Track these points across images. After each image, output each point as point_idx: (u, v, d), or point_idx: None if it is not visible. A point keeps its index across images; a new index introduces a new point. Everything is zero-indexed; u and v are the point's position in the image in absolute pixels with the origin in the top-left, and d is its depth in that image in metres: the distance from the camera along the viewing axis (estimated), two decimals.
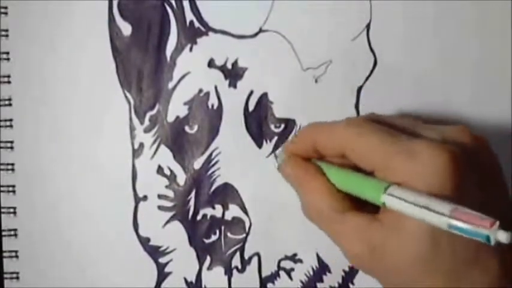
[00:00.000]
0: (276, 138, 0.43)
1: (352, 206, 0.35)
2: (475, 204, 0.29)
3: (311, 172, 0.37)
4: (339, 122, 0.36)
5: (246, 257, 0.43)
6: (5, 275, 0.43)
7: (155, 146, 0.42)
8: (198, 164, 0.42)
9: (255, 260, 0.43)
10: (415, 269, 0.32)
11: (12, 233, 0.43)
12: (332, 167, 0.37)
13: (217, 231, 0.43)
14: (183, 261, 0.43)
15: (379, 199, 0.32)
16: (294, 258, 0.43)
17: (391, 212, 0.32)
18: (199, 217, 0.42)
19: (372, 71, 0.43)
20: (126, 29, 0.42)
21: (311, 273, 0.43)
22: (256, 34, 0.42)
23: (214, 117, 0.42)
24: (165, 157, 0.42)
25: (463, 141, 0.34)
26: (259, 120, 0.42)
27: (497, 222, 0.27)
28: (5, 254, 0.43)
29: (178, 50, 0.42)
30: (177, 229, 0.43)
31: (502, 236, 0.27)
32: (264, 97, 0.42)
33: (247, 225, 0.43)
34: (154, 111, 0.42)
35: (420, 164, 0.31)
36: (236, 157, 0.42)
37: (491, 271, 0.32)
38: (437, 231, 0.30)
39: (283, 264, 0.43)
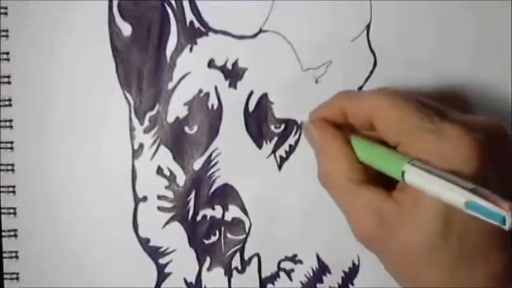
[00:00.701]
0: (276, 138, 0.42)
1: (369, 180, 0.35)
2: (494, 193, 0.29)
3: (335, 138, 0.37)
4: (370, 91, 0.37)
5: (246, 257, 0.43)
6: (5, 276, 0.43)
7: (155, 146, 0.42)
8: (197, 164, 0.42)
9: (254, 260, 0.43)
10: (422, 253, 0.32)
11: (12, 233, 0.43)
12: (357, 137, 0.37)
13: (217, 232, 0.43)
14: (183, 262, 0.43)
15: (399, 173, 0.32)
16: (293, 259, 0.43)
17: (407, 191, 0.33)
18: (199, 218, 0.42)
19: (372, 71, 0.43)
20: (126, 29, 0.42)
21: (311, 274, 0.43)
22: (256, 34, 0.42)
23: (214, 118, 0.42)
24: (165, 158, 0.42)
25: (488, 129, 0.34)
26: (259, 121, 0.42)
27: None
28: (5, 255, 0.43)
29: (178, 50, 0.42)
30: (177, 230, 0.43)
31: None
32: (264, 97, 0.42)
33: (247, 226, 0.43)
34: (154, 112, 0.42)
35: (448, 146, 0.32)
36: (236, 158, 0.42)
37: (498, 263, 0.32)
38: (451, 216, 0.31)
39: (283, 265, 0.43)
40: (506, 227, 0.27)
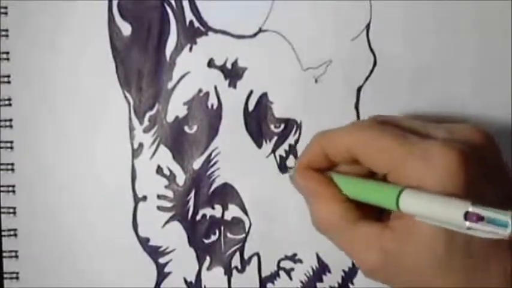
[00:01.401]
0: (275, 138, 0.43)
1: (363, 215, 0.35)
2: (487, 199, 0.29)
3: (322, 183, 0.37)
4: (346, 126, 0.36)
5: (246, 257, 0.43)
6: (5, 275, 0.43)
7: (154, 146, 0.42)
8: (197, 164, 0.42)
9: (254, 260, 0.43)
10: (430, 271, 0.32)
11: (12, 233, 0.43)
12: (343, 176, 0.37)
13: (217, 232, 0.43)
14: (183, 261, 0.43)
15: (393, 203, 0.32)
16: (293, 258, 0.43)
17: (402, 218, 0.33)
18: (198, 217, 0.42)
19: (371, 71, 0.43)
20: (125, 29, 0.42)
21: (311, 273, 0.43)
22: (256, 34, 0.42)
23: (214, 117, 0.42)
24: (165, 157, 0.42)
25: (471, 138, 0.34)
26: (258, 120, 0.42)
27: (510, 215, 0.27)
28: (4, 254, 0.43)
29: (178, 49, 0.42)
30: (177, 229, 0.43)
31: None
32: (263, 97, 0.42)
33: (246, 225, 0.43)
34: (153, 111, 0.42)
35: (433, 164, 0.31)
36: (236, 157, 0.42)
37: (506, 269, 0.32)
38: (451, 232, 0.30)
39: (283, 264, 0.43)
40: (508, 232, 0.27)
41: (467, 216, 0.28)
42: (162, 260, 0.43)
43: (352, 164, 0.36)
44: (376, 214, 0.35)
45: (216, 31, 0.42)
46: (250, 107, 0.42)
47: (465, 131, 0.35)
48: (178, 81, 0.42)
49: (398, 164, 0.33)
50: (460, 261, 0.32)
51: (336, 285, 0.43)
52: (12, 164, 0.43)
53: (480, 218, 0.28)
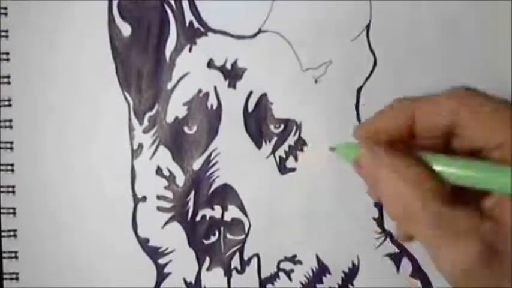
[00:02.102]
0: (275, 138, 0.42)
1: (453, 199, 0.28)
2: None
3: (411, 160, 0.29)
4: (442, 93, 0.31)
5: (246, 258, 0.43)
6: (5, 276, 0.43)
7: (154, 146, 0.42)
8: (197, 164, 0.42)
9: (254, 261, 0.43)
10: None
11: (11, 233, 0.43)
12: (437, 155, 0.30)
13: (217, 232, 0.43)
14: (183, 262, 0.43)
15: (508, 186, 0.27)
16: (293, 259, 0.43)
17: (504, 205, 0.28)
18: (198, 218, 0.42)
19: (371, 71, 0.43)
20: (125, 29, 0.42)
21: (310, 274, 0.43)
22: (255, 34, 0.42)
23: (214, 118, 0.42)
24: (164, 158, 0.42)
25: None
26: (258, 121, 0.42)
27: None
28: (4, 255, 0.43)
29: (177, 50, 0.42)
30: (177, 230, 0.42)
31: None
32: (263, 97, 0.42)
33: (246, 226, 0.43)
34: (153, 112, 0.42)
35: None
36: (235, 158, 0.42)
37: None
38: None
39: (283, 265, 0.43)
40: None
41: None
42: (161, 261, 0.43)
43: (436, 140, 0.30)
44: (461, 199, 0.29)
45: (215, 31, 0.42)
46: (250, 108, 0.42)
47: None
48: (178, 82, 0.42)
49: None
50: None
51: (336, 286, 0.43)
52: (12, 164, 0.43)
53: None
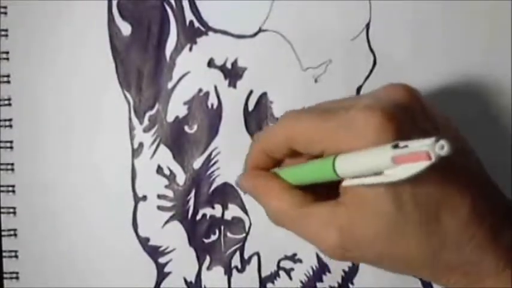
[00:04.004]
0: None
1: (312, 198, 0.35)
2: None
3: (267, 177, 0.37)
4: (275, 123, 0.37)
5: (246, 256, 0.43)
6: (5, 275, 0.43)
7: (155, 145, 0.42)
8: (197, 163, 0.42)
9: (254, 259, 0.43)
10: (386, 234, 0.32)
11: (12, 233, 0.43)
12: (285, 168, 0.37)
13: (217, 231, 0.43)
14: (183, 261, 0.43)
15: (332, 173, 0.32)
16: (293, 258, 0.43)
17: (349, 191, 0.33)
18: (198, 217, 0.42)
19: (371, 71, 0.43)
20: (125, 29, 0.43)
21: (311, 273, 0.43)
22: (256, 34, 0.42)
23: (214, 117, 0.42)
24: (165, 157, 0.42)
25: (393, 97, 0.34)
26: (258, 120, 0.42)
27: (433, 138, 0.26)
28: (4, 254, 0.43)
29: (178, 49, 0.42)
30: (177, 229, 0.43)
31: (442, 146, 0.26)
32: (263, 97, 0.42)
33: (246, 225, 0.43)
34: (153, 111, 0.42)
35: (359, 130, 0.32)
36: (236, 157, 0.42)
37: (463, 206, 0.32)
38: (396, 189, 0.31)
39: (283, 264, 0.43)
40: (443, 152, 0.26)
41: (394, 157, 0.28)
42: (162, 260, 0.43)
43: (294, 157, 0.37)
44: (325, 196, 0.35)
45: (216, 31, 0.42)
46: (250, 107, 0.42)
47: (386, 91, 0.35)
48: (178, 81, 0.42)
49: (328, 140, 0.33)
50: (411, 216, 0.32)
51: (336, 285, 0.43)
52: (12, 164, 0.43)
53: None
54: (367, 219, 0.32)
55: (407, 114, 0.33)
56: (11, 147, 0.43)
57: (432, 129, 0.33)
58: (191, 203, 0.42)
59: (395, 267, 0.35)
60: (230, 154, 0.42)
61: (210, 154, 0.42)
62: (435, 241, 0.32)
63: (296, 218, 0.35)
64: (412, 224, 0.32)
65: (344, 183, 0.32)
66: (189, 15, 0.42)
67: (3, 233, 0.43)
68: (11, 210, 0.43)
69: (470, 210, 0.32)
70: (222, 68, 0.42)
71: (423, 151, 0.26)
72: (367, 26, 0.43)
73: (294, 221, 0.35)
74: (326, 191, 0.35)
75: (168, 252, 0.43)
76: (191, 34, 0.42)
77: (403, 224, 0.32)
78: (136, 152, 0.43)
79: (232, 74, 0.42)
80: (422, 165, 0.27)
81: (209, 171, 0.42)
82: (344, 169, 0.31)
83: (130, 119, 0.43)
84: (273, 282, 0.43)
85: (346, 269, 0.43)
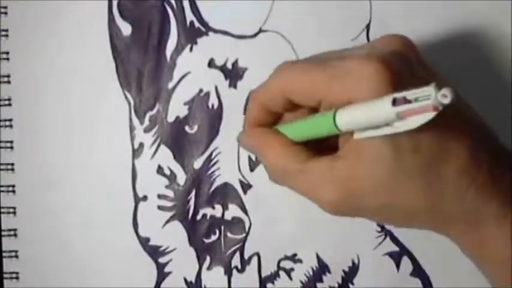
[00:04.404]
0: None
1: (312, 154, 0.35)
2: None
3: (268, 134, 0.37)
4: (272, 74, 0.36)
5: (246, 257, 0.43)
6: (5, 275, 0.43)
7: (155, 146, 0.42)
8: (198, 163, 0.42)
9: (254, 260, 0.43)
10: (386, 185, 0.32)
11: (12, 233, 0.43)
12: (286, 124, 0.37)
13: (217, 231, 0.43)
14: (183, 261, 0.43)
15: (333, 127, 0.32)
16: (293, 258, 0.43)
17: (347, 144, 0.33)
18: (199, 217, 0.43)
19: None
20: (126, 29, 0.43)
21: (311, 273, 0.43)
22: (256, 34, 0.42)
23: (215, 117, 0.42)
24: (165, 157, 0.42)
25: (389, 46, 0.34)
26: None
27: (432, 87, 0.27)
28: (4, 254, 0.43)
29: (178, 50, 0.42)
30: (177, 229, 0.43)
31: (444, 95, 0.26)
32: None
33: (247, 225, 0.43)
34: (154, 111, 0.42)
35: (356, 79, 0.31)
36: (236, 157, 0.42)
37: (460, 157, 0.32)
38: (395, 137, 0.30)
39: (283, 264, 0.43)
40: (447, 100, 0.26)
41: (395, 103, 0.28)
42: (162, 260, 0.43)
43: (294, 111, 0.36)
44: (327, 152, 0.34)
45: (216, 31, 0.42)
46: None
47: (382, 41, 0.35)
48: (178, 81, 0.42)
49: (325, 89, 0.33)
50: (410, 165, 0.32)
51: (336, 285, 0.43)
52: (12, 164, 0.43)
53: (407, 101, 0.28)
54: (365, 170, 0.32)
55: (404, 62, 0.32)
56: (11, 147, 0.43)
57: (429, 76, 0.33)
58: (191, 203, 0.42)
59: (395, 219, 0.34)
60: (230, 154, 0.42)
61: (211, 154, 0.42)
62: (435, 189, 0.32)
63: (295, 173, 0.35)
64: (411, 173, 0.32)
65: (355, 136, 0.32)
66: (189, 16, 0.42)
67: (3, 233, 0.43)
68: (11, 210, 0.43)
69: (468, 155, 0.32)
70: (223, 69, 0.42)
71: (428, 104, 0.27)
72: (367, 26, 0.43)
73: (294, 176, 0.35)
74: (327, 146, 0.34)
75: (169, 252, 0.43)
76: (192, 34, 0.42)
77: (402, 173, 0.32)
78: (136, 152, 0.43)
79: (233, 74, 0.42)
80: (429, 115, 0.27)
81: (209, 172, 0.42)
82: (346, 124, 0.31)
83: (130, 119, 0.43)
84: (273, 283, 0.43)
85: (346, 269, 0.43)
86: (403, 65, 0.32)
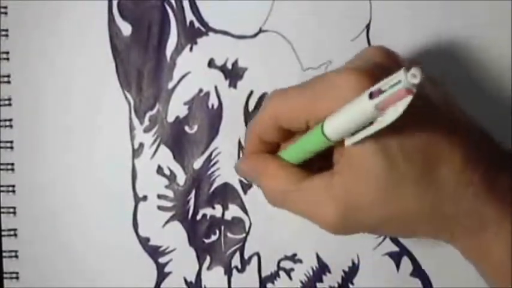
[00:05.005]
0: None
1: (308, 174, 0.35)
2: None
3: (263, 159, 0.37)
4: (261, 108, 0.37)
5: (246, 257, 0.43)
6: (5, 275, 0.43)
7: (155, 146, 0.42)
8: (198, 164, 0.42)
9: (254, 260, 0.43)
10: (385, 197, 0.32)
11: (12, 233, 0.43)
12: (282, 150, 0.37)
13: (217, 231, 0.43)
14: (183, 261, 0.43)
15: (324, 139, 0.32)
16: (293, 258, 0.43)
17: (342, 158, 0.33)
18: (199, 217, 0.43)
19: None
20: (126, 29, 0.43)
21: (311, 273, 0.43)
22: (256, 34, 0.42)
23: (214, 117, 0.42)
24: (165, 157, 0.42)
25: (371, 59, 0.34)
26: None
27: (402, 71, 0.27)
28: (4, 254, 0.43)
29: (178, 50, 0.42)
30: (177, 229, 0.43)
31: (414, 75, 0.27)
32: (264, 97, 0.42)
33: (247, 225, 0.43)
34: (154, 111, 0.43)
35: (337, 95, 0.32)
36: (236, 157, 0.42)
37: (455, 158, 0.32)
38: (385, 146, 0.31)
39: (283, 264, 0.43)
40: (417, 79, 0.27)
41: (372, 97, 0.28)
42: (162, 260, 0.43)
43: (290, 139, 0.37)
44: (324, 170, 0.35)
45: (216, 31, 0.42)
46: (251, 107, 0.42)
47: (363, 54, 0.35)
48: (178, 81, 0.42)
49: (310, 109, 0.33)
50: (404, 172, 0.32)
51: (336, 285, 0.43)
52: (12, 164, 0.43)
53: (381, 92, 0.28)
54: (360, 184, 0.32)
55: (385, 72, 0.32)
56: (11, 147, 0.43)
57: None
58: (191, 203, 0.42)
59: (397, 230, 0.35)
60: (230, 154, 0.42)
61: (211, 154, 0.42)
62: (432, 195, 0.32)
63: (293, 194, 0.35)
64: (407, 180, 0.32)
65: (346, 143, 0.32)
66: (189, 16, 0.42)
67: (3, 233, 0.43)
68: (11, 210, 0.43)
69: (462, 158, 0.32)
70: (223, 69, 0.42)
71: (400, 89, 0.27)
72: (367, 26, 0.43)
73: (292, 197, 0.35)
74: (329, 166, 0.34)
75: (168, 252, 0.43)
76: (191, 34, 0.42)
77: (397, 183, 0.32)
78: (136, 152, 0.43)
79: (233, 74, 0.42)
80: (406, 100, 0.27)
81: (209, 172, 0.42)
82: (333, 131, 0.31)
83: (130, 119, 0.43)
84: (273, 283, 0.43)
85: (346, 269, 0.43)
86: (385, 75, 0.32)
